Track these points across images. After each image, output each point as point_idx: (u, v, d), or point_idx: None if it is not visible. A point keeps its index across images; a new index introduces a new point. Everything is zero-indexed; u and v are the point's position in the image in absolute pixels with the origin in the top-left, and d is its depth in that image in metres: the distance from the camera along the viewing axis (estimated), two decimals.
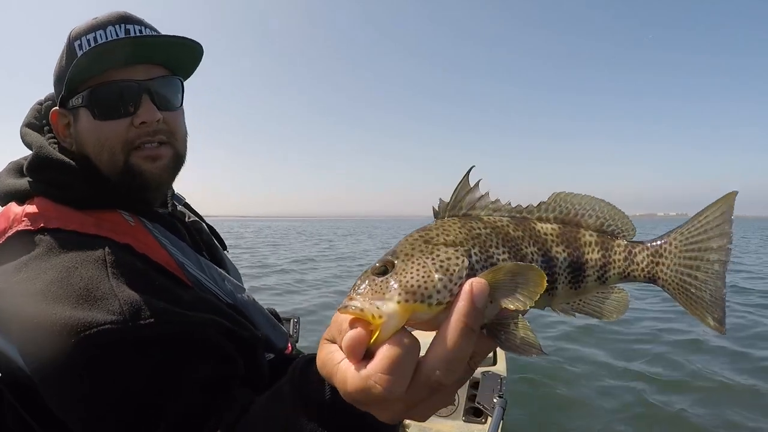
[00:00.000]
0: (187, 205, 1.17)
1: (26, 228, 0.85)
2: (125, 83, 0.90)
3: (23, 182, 0.92)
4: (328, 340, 0.50)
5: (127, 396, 0.69)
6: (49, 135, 0.98)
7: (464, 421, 2.66)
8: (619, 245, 0.53)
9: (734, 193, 0.50)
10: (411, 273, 0.46)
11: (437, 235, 0.49)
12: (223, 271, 1.02)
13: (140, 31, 0.93)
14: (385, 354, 0.43)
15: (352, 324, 0.45)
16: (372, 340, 0.44)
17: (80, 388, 0.69)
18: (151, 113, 0.91)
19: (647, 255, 0.52)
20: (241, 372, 0.80)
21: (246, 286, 1.11)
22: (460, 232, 0.49)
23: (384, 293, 0.45)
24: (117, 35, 0.91)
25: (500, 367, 2.86)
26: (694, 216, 0.52)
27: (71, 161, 0.91)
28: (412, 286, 0.45)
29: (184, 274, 0.89)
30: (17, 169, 0.98)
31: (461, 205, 0.52)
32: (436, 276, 0.45)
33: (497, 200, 0.53)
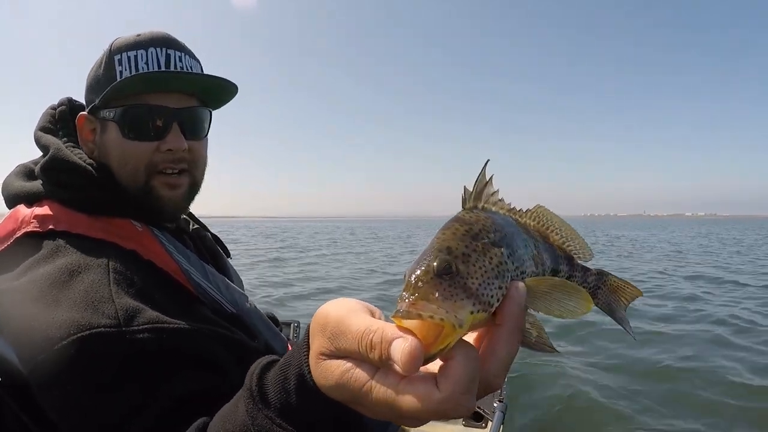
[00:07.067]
0: (190, 214, 1.18)
1: (34, 230, 0.86)
2: (158, 109, 0.94)
3: (34, 185, 0.94)
4: (326, 356, 0.43)
5: (112, 401, 0.69)
6: (65, 140, 0.99)
7: (464, 425, 2.65)
8: (577, 264, 0.62)
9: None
10: (475, 278, 0.42)
11: (479, 231, 0.47)
12: (226, 279, 1.04)
13: (180, 58, 0.97)
14: (465, 374, 0.39)
15: (406, 330, 0.39)
16: (437, 352, 0.39)
17: (69, 389, 0.69)
18: (179, 142, 0.95)
19: (594, 278, 0.63)
20: (229, 385, 0.78)
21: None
22: (497, 230, 0.48)
23: (455, 300, 0.40)
24: (158, 59, 0.94)
25: None
26: (620, 280, 0.66)
27: (87, 166, 0.93)
28: (481, 294, 0.42)
29: (188, 282, 0.90)
30: (26, 172, 0.99)
31: (480, 197, 0.53)
32: (496, 282, 0.43)
33: (501, 198, 0.55)
